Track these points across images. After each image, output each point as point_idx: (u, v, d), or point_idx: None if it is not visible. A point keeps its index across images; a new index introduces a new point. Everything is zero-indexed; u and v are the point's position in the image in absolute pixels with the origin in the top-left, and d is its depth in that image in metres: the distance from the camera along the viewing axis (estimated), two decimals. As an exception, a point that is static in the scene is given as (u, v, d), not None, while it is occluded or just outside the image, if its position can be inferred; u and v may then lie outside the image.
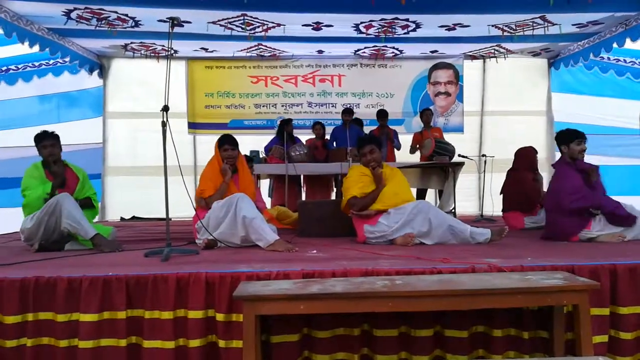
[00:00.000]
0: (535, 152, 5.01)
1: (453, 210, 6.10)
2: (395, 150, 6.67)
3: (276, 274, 2.42)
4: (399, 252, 3.09)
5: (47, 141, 3.69)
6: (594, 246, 3.36)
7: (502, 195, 5.09)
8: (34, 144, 3.72)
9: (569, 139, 3.80)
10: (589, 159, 3.95)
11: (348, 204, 3.74)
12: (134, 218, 7.14)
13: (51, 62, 6.64)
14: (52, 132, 3.76)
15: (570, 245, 3.42)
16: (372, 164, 3.77)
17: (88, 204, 3.82)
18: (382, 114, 6.56)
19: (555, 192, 3.74)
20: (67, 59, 6.41)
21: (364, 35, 6.21)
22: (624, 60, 6.87)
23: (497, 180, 6.17)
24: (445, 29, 5.97)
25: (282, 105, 7.52)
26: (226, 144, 3.77)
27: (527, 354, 2.42)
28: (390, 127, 6.70)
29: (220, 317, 2.33)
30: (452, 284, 2.21)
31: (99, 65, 7.21)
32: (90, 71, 7.01)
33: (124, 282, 2.35)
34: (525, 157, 4.92)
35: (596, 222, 3.61)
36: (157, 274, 2.39)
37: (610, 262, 2.52)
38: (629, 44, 5.86)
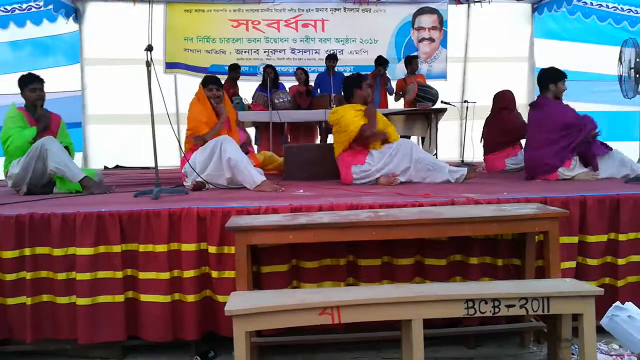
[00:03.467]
0: (512, 94, 5.11)
1: (435, 156, 6.24)
2: (387, 95, 6.70)
3: (265, 208, 2.52)
4: (383, 190, 3.21)
5: (37, 84, 3.63)
6: (567, 182, 3.53)
7: (482, 140, 5.22)
8: (18, 87, 3.64)
9: (559, 77, 3.87)
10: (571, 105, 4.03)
11: (361, 132, 3.65)
12: (117, 167, 7.13)
13: (24, 6, 6.37)
14: (38, 75, 3.70)
15: (545, 182, 3.58)
16: (369, 98, 3.82)
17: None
18: (381, 61, 6.52)
19: (542, 124, 3.80)
20: (41, 3, 6.17)
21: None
22: (607, 5, 6.89)
23: (478, 126, 6.24)
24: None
25: (265, 51, 7.42)
26: (211, 83, 3.80)
27: (500, 279, 2.59)
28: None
29: (212, 249, 2.44)
30: (432, 214, 2.34)
31: (74, 9, 6.95)
32: (67, 16, 6.76)
33: (117, 218, 2.42)
34: (504, 99, 5.02)
35: (574, 161, 3.76)
36: (149, 209, 2.46)
37: (580, 194, 2.67)
38: (611, -12, 5.88)
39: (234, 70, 6.69)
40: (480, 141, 5.26)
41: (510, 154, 4.85)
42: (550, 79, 3.91)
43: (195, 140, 3.68)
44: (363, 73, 4.37)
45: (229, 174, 3.49)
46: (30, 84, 3.63)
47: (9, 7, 6.31)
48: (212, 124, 3.72)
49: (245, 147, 4.61)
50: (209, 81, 3.84)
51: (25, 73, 3.70)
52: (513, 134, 4.81)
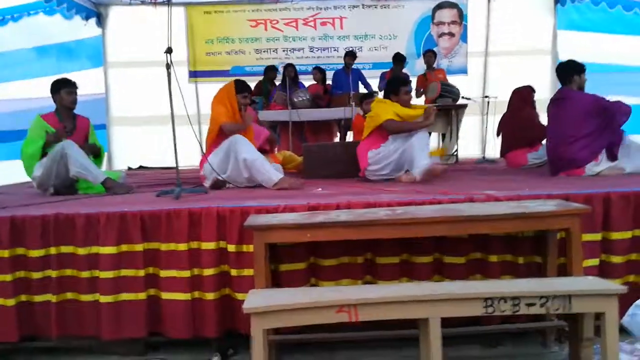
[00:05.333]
0: (532, 90, 5.01)
1: (455, 153, 6.17)
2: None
3: (283, 207, 2.54)
4: (401, 188, 3.20)
5: (73, 87, 3.72)
6: (590, 179, 3.45)
7: (499, 137, 5.13)
8: (51, 90, 3.70)
9: (582, 68, 3.80)
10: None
11: (384, 125, 3.69)
12: (141, 167, 7.26)
13: (47, 10, 6.54)
14: (73, 80, 3.78)
15: (568, 178, 3.51)
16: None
17: (96, 152, 3.89)
18: (399, 58, 6.48)
19: (568, 116, 3.68)
20: (64, 6, 6.32)
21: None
22: (631, -6, 6.71)
23: (500, 121, 6.20)
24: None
25: (283, 50, 7.45)
26: (246, 91, 3.84)
27: (521, 277, 2.55)
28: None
29: (231, 248, 2.47)
30: (451, 212, 2.31)
31: (96, 13, 7.11)
32: (87, 19, 6.91)
33: (139, 218, 2.47)
34: (521, 97, 4.95)
35: (602, 155, 3.64)
36: (170, 209, 2.51)
37: (604, 191, 2.61)
38: (637, -23, 5.72)
39: (272, 71, 6.76)
40: (498, 135, 5.18)
41: (531, 150, 4.78)
42: (574, 71, 3.82)
43: (222, 131, 3.66)
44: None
45: (246, 174, 3.52)
46: (67, 86, 3.71)
47: (32, 12, 6.47)
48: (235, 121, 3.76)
49: (273, 144, 4.65)
50: (244, 88, 3.84)
51: (59, 77, 3.78)
52: (534, 134, 4.74)
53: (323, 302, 1.90)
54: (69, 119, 3.75)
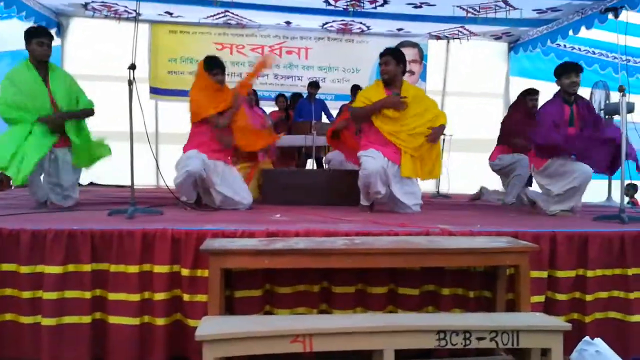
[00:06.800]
0: (527, 93, 5.20)
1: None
2: None
3: (241, 232, 2.51)
4: (359, 217, 3.24)
5: (44, 37, 3.24)
6: (539, 217, 3.62)
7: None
8: (25, 41, 3.32)
9: (560, 72, 3.83)
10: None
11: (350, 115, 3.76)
12: (91, 184, 6.99)
13: (4, 15, 6.31)
14: (49, 30, 3.40)
15: (517, 216, 3.67)
16: (385, 76, 3.75)
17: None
18: (357, 89, 6.66)
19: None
20: (23, 14, 6.12)
21: (332, 8, 6.28)
22: (579, 48, 7.19)
23: (454, 159, 6.42)
24: (412, 7, 6.12)
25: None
26: (216, 67, 3.66)
27: (471, 311, 2.62)
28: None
29: (185, 272, 2.40)
30: (407, 244, 2.37)
31: (57, 23, 6.92)
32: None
33: (89, 236, 2.37)
34: (513, 104, 5.27)
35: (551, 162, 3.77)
36: (122, 229, 2.42)
37: (550, 230, 2.74)
38: (583, 32, 6.17)
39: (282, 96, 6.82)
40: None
41: (504, 152, 4.98)
42: (556, 77, 3.89)
43: (209, 122, 3.57)
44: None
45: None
46: (39, 36, 3.26)
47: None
48: (219, 108, 3.61)
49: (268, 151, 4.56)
50: (214, 64, 3.67)
51: (34, 25, 3.39)
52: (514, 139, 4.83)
53: (278, 332, 1.88)
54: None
